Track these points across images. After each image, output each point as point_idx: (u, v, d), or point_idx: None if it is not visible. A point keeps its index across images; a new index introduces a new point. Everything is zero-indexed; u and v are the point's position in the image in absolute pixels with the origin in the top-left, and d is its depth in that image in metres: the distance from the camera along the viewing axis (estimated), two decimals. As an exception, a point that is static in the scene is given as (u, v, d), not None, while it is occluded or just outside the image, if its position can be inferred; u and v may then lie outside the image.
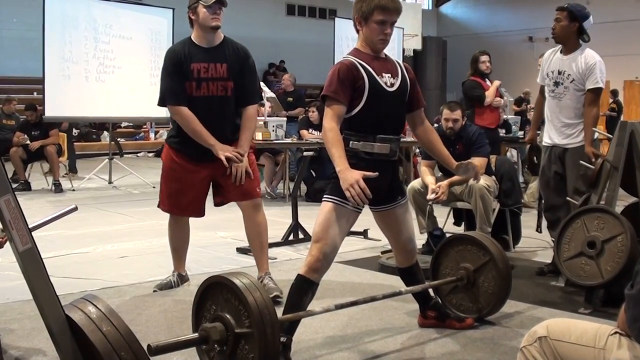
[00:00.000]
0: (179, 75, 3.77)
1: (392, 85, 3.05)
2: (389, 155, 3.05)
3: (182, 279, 4.18)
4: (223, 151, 3.74)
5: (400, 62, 3.20)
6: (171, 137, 4.00)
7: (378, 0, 2.96)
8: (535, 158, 4.97)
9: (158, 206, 4.07)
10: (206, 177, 3.93)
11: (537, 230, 5.29)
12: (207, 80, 3.79)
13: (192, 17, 3.84)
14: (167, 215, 4.09)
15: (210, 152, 3.77)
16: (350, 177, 2.79)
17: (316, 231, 2.96)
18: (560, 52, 4.48)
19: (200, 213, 4.05)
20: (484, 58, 6.66)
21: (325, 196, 3.02)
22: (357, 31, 3.08)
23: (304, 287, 2.93)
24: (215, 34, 3.84)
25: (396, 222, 3.22)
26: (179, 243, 4.14)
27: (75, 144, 11.69)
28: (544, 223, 4.84)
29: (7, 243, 2.14)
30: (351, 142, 3.00)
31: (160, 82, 3.91)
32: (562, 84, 4.43)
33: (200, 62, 3.78)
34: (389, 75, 3.06)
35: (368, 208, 3.10)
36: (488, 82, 6.68)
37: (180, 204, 3.97)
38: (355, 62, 2.99)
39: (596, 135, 4.45)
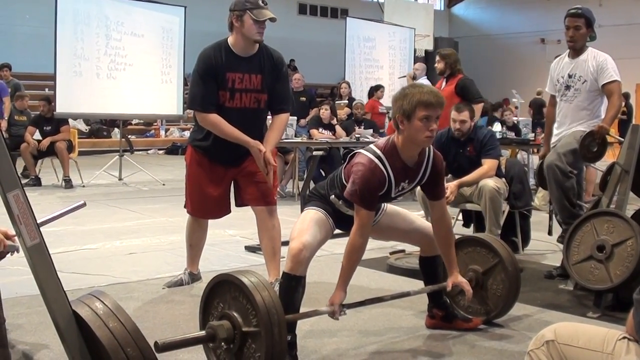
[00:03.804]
0: (212, 82, 3.67)
1: (401, 190, 3.07)
2: None
3: (194, 277, 4.17)
4: (260, 145, 3.65)
5: (432, 155, 3.08)
6: (196, 139, 3.88)
7: (420, 96, 2.86)
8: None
9: (184, 206, 4.05)
10: (231, 179, 3.91)
11: (548, 234, 5.26)
12: (240, 92, 3.71)
13: (236, 24, 3.68)
14: (177, 212, 4.08)
15: (236, 156, 3.77)
16: (337, 300, 2.93)
17: (293, 230, 3.03)
18: (568, 56, 4.48)
19: (227, 211, 4.02)
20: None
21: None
22: (399, 130, 2.95)
23: (292, 284, 2.93)
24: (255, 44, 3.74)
25: (389, 228, 3.29)
26: (196, 241, 4.12)
27: (86, 140, 11.70)
28: (556, 225, 4.81)
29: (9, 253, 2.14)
30: (332, 196, 3.10)
31: (191, 83, 3.82)
32: (573, 86, 4.44)
33: (235, 72, 3.69)
34: (407, 181, 3.06)
35: None
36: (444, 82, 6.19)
37: (206, 208, 3.95)
38: (385, 173, 2.93)
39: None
